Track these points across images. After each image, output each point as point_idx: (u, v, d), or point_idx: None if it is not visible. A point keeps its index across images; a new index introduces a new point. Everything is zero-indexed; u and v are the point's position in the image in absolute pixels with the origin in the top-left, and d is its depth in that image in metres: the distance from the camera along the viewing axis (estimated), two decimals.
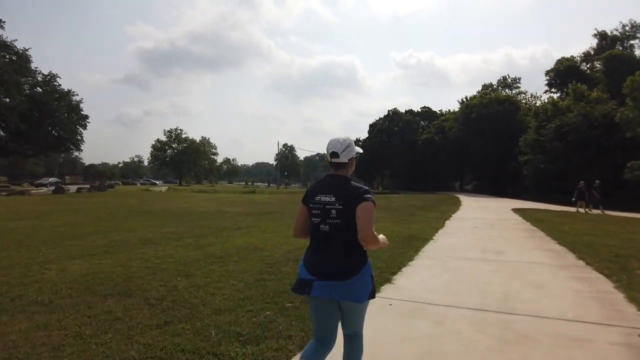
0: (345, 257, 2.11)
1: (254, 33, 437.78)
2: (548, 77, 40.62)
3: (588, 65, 38.52)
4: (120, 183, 70.83)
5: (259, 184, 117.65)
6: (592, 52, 37.70)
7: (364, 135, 56.75)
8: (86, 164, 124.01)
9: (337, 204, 2.08)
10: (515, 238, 9.57)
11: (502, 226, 12.02)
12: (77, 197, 28.21)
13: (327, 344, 2.24)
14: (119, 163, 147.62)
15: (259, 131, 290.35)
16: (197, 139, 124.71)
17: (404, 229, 10.85)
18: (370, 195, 2.08)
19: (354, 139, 57.91)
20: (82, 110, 37.33)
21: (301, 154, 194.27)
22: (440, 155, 45.12)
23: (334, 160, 2.18)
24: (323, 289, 2.08)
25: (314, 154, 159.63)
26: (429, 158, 46.24)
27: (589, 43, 56.64)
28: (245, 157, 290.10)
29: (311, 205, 2.18)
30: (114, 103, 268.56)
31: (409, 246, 7.96)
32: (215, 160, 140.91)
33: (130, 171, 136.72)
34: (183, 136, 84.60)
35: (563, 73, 38.14)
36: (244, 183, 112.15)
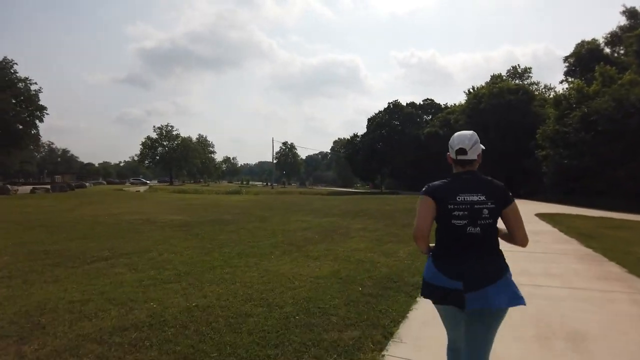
0: (497, 259, 2.03)
1: (254, 32, 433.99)
2: (567, 64, 35.99)
3: (614, 49, 33.96)
4: (105, 182, 67.12)
5: (257, 183, 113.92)
6: (619, 33, 33.12)
7: (363, 130, 52.24)
8: (84, 163, 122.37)
9: (488, 203, 1.98)
10: (581, 281, 5.30)
11: (540, 249, 7.73)
12: (7, 200, 24.27)
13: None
14: (120, 162, 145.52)
15: (261, 130, 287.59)
16: (196, 137, 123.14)
17: (381, 257, 6.66)
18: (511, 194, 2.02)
19: (352, 134, 53.93)
20: (40, 101, 33.15)
21: (303, 153, 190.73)
22: (445, 151, 40.54)
23: (461, 157, 2.08)
24: (480, 299, 1.91)
25: (317, 152, 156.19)
26: (434, 154, 41.66)
27: (612, 25, 51.78)
28: (248, 156, 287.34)
29: (452, 207, 1.98)
30: (116, 103, 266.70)
31: (372, 314, 3.79)
32: (214, 159, 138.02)
33: (129, 170, 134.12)
34: (174, 133, 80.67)
35: (585, 58, 33.53)
36: (239, 182, 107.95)
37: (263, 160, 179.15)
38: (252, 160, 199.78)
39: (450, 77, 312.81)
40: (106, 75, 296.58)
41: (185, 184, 77.55)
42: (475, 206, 1.97)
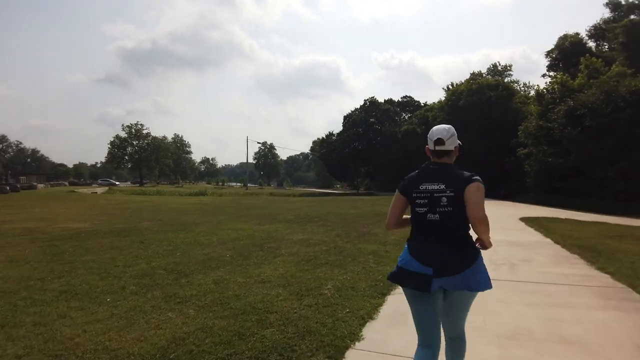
0: (460, 247, 2.04)
1: (235, 33, 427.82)
2: (549, 59, 34.22)
3: (597, 42, 32.41)
4: (66, 183, 62.87)
5: (234, 184, 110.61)
6: (603, 26, 31.55)
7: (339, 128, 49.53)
8: (57, 164, 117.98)
9: (447, 191, 2.03)
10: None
11: (536, 275, 5.32)
12: None
13: (437, 347, 2.14)
14: (97, 163, 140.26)
15: (243, 131, 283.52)
16: (172, 137, 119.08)
17: (291, 298, 4.11)
18: (478, 177, 2.05)
19: (328, 132, 51.38)
20: None
21: (285, 153, 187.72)
22: (423, 149, 38.34)
23: (438, 147, 2.15)
24: (445, 282, 1.99)
25: (298, 153, 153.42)
26: (412, 153, 39.49)
27: (593, 20, 50.43)
28: (231, 157, 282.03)
29: (415, 195, 2.11)
30: (96, 103, 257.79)
31: None
32: (190, 160, 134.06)
33: (106, 171, 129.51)
34: (144, 132, 76.79)
35: (568, 51, 31.85)
36: (214, 183, 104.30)
37: (244, 161, 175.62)
38: (234, 161, 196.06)
39: (430, 79, 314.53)
40: (86, 75, 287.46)
41: (160, 185, 73.65)
42: (435, 195, 2.04)
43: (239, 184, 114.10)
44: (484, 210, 1.97)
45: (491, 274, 2.17)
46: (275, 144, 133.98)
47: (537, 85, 26.61)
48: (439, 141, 2.13)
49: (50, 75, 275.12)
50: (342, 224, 11.11)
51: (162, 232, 9.34)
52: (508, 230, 10.13)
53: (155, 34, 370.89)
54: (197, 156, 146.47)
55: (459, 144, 2.21)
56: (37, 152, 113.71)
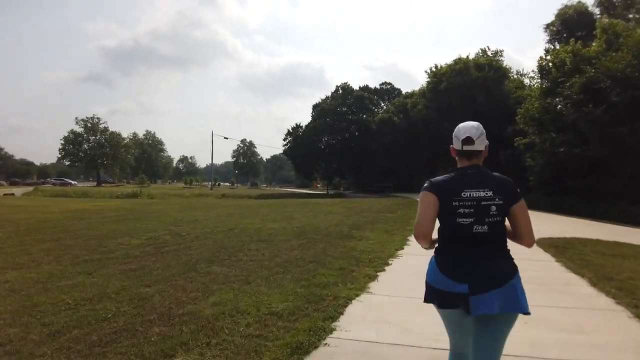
0: (506, 260, 1.84)
1: (218, 32, 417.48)
2: (549, 32, 28.73)
3: (609, 12, 26.92)
4: (5, 183, 55.73)
5: (206, 183, 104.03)
6: None
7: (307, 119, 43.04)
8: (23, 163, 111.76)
9: (496, 199, 1.81)
10: None
11: None
12: None
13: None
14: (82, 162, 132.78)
15: (230, 130, 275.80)
16: (146, 134, 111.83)
17: None
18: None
19: (294, 124, 45.07)
20: None
21: (270, 152, 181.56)
22: (402, 142, 32.42)
23: (467, 147, 1.89)
24: (485, 304, 1.72)
25: (282, 152, 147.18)
26: (388, 146, 33.61)
27: None
28: (216, 156, 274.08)
29: (457, 204, 1.81)
30: (78, 102, 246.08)
31: None
32: (164, 158, 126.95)
33: (79, 170, 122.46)
34: (101, 126, 69.63)
35: (572, 22, 26.44)
36: (183, 183, 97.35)
37: (229, 160, 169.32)
38: (219, 160, 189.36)
39: (415, 80, 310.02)
40: (68, 74, 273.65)
41: (124, 185, 66.11)
42: (482, 203, 1.81)
43: (226, 183, 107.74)
44: (532, 230, 1.88)
45: None
46: (264, 144, 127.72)
47: (540, 57, 20.91)
48: (468, 140, 1.88)
49: (30, 73, 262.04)
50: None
51: None
52: (546, 290, 4.24)
53: (137, 32, 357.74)
54: (176, 154, 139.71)
55: (487, 143, 1.95)
56: (1, 149, 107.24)
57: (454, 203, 1.80)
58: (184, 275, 5.28)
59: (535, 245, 7.05)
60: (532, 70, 27.99)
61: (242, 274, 5.33)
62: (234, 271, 5.48)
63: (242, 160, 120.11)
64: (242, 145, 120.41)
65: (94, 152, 67.00)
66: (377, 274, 5.36)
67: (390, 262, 6.12)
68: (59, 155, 68.95)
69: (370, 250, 7.07)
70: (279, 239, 8.38)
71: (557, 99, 17.60)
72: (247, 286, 4.69)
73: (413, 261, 6.32)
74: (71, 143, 68.51)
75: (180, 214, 14.28)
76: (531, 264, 5.92)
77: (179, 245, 7.67)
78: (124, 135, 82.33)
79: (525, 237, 1.84)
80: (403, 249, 7.36)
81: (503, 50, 37.74)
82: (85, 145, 69.45)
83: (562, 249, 7.07)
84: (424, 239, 1.86)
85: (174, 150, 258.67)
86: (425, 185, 1.90)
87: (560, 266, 5.89)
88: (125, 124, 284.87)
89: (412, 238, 8.51)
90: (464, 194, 1.80)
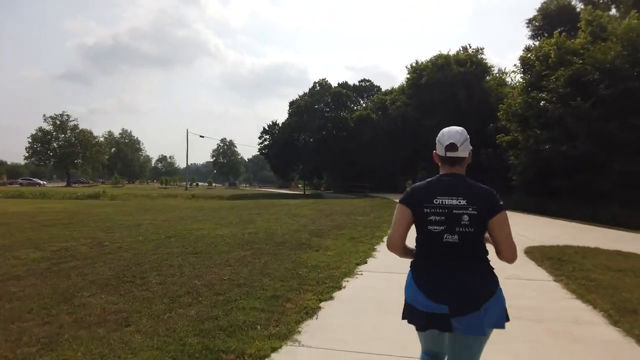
0: (483, 275, 1.72)
1: (201, 31, 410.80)
2: (531, 27, 27.86)
3: (591, 6, 26.18)
4: None
5: (183, 183, 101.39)
6: None
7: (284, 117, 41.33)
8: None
9: (469, 209, 1.68)
10: None
11: None
12: None
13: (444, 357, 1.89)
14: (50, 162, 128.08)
15: (213, 130, 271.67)
16: (122, 132, 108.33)
17: None
18: (501, 200, 1.73)
19: (270, 122, 43.54)
20: None
21: (251, 152, 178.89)
22: (381, 140, 31.12)
23: (450, 154, 1.77)
24: (466, 325, 1.64)
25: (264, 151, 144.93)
26: (366, 146, 32.28)
27: None
28: (198, 156, 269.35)
29: (428, 210, 1.72)
30: (57, 101, 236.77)
31: None
32: (141, 157, 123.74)
33: (56, 170, 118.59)
34: (71, 124, 66.42)
35: (554, 17, 25.60)
36: (159, 183, 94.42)
37: (211, 160, 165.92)
38: (201, 160, 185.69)
39: (396, 80, 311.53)
40: (46, 72, 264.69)
41: (98, 185, 62.99)
42: (454, 211, 1.70)
43: (205, 183, 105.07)
44: (516, 249, 1.72)
45: None
46: (248, 144, 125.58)
47: (523, 50, 19.88)
48: (452, 147, 1.76)
49: (5, 71, 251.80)
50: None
51: None
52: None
53: (118, 30, 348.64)
54: (158, 154, 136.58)
55: (471, 149, 1.84)
56: None
57: (425, 210, 1.72)
58: (45, 311, 3.73)
59: (526, 257, 5.62)
60: (514, 65, 27.14)
61: (130, 307, 3.81)
62: (122, 303, 3.95)
63: (221, 160, 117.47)
64: (221, 144, 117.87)
65: (63, 151, 63.82)
66: (320, 305, 3.91)
67: (343, 285, 4.67)
68: (26, 154, 65.52)
69: (324, 265, 5.62)
70: (219, 249, 6.86)
71: (542, 94, 16.51)
72: (117, 333, 3.17)
73: (374, 282, 4.90)
74: (39, 141, 65.18)
75: (125, 217, 12.57)
76: (524, 287, 4.57)
77: (86, 260, 6.09)
78: (100, 133, 79.44)
79: (503, 253, 1.70)
80: (366, 262, 5.94)
81: (484, 48, 36.97)
82: (55, 144, 66.20)
83: (558, 262, 5.77)
84: (396, 251, 1.83)
85: (156, 150, 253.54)
86: (403, 194, 1.82)
87: (561, 288, 4.55)
88: (106, 123, 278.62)
89: (380, 247, 7.12)
90: (436, 201, 1.71)
